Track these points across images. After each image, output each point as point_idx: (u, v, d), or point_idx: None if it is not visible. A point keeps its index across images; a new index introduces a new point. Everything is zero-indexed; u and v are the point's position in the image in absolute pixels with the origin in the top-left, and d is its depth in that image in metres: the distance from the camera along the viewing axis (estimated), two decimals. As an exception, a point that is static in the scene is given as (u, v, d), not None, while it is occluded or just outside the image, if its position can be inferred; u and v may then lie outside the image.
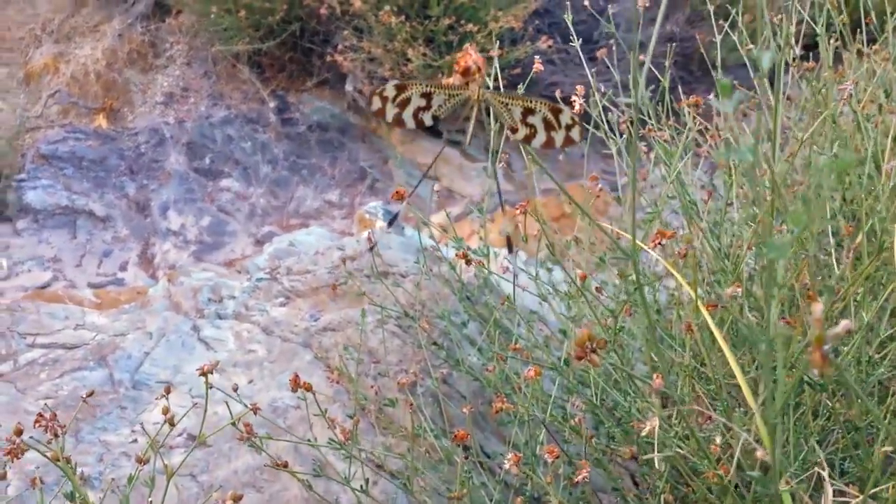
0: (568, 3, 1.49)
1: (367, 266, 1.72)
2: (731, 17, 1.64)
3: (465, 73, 0.59)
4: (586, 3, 1.58)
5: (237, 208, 3.37)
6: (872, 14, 1.50)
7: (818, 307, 0.41)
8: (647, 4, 1.35)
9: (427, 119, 0.63)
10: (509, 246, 0.62)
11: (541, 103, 0.62)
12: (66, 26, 4.39)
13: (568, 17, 1.21)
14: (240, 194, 3.40)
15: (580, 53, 1.34)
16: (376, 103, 0.61)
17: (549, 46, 3.09)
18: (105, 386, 1.65)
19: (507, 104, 0.62)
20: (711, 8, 1.68)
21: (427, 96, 0.62)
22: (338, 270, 1.75)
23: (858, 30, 1.50)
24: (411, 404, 1.21)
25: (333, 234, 2.62)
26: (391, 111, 0.62)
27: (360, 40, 3.20)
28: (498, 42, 1.49)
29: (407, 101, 0.62)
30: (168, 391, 1.06)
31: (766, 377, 0.52)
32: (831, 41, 1.36)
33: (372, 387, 1.27)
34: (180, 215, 3.39)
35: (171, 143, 3.57)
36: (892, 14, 1.30)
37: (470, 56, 0.59)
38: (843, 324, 0.41)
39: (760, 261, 1.16)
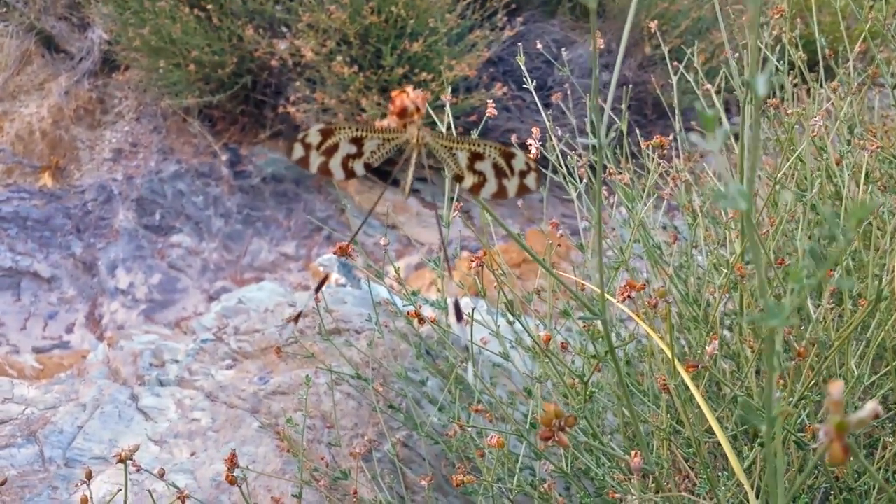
0: (523, 51, 1.45)
1: (320, 323, 1.63)
2: (687, 58, 1.62)
3: (402, 113, 0.51)
4: (539, 46, 1.54)
5: (189, 264, 3.24)
6: (827, 51, 1.48)
7: (837, 387, 0.33)
8: (601, 45, 1.31)
9: (359, 168, 0.54)
10: (458, 314, 0.54)
11: (490, 147, 0.54)
12: (10, 85, 4.27)
13: (520, 59, 1.16)
14: (191, 250, 3.28)
15: (536, 99, 1.29)
16: (298, 151, 0.53)
17: (504, 93, 3.07)
18: (35, 464, 1.51)
19: (451, 148, 0.54)
20: (666, 49, 1.66)
21: (358, 141, 0.54)
22: (293, 328, 1.65)
23: (816, 67, 1.48)
24: (366, 474, 1.11)
25: (287, 288, 2.51)
26: (316, 160, 0.53)
27: (312, 91, 3.14)
28: (450, 90, 1.43)
29: (334, 148, 0.54)
30: (89, 476, 0.95)
31: (769, 472, 0.45)
32: (790, 78, 1.33)
33: (322, 458, 1.17)
34: (129, 273, 3.25)
35: (120, 200, 3.45)
36: (850, 48, 1.27)
37: (407, 94, 0.51)
38: (870, 407, 0.33)
39: (735, 307, 1.09)
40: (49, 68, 4.20)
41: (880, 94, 1.66)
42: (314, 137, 0.53)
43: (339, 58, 2.94)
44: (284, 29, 3.26)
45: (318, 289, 0.54)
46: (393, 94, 0.51)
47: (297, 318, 0.58)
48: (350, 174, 0.54)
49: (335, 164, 0.54)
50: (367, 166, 0.54)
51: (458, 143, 0.54)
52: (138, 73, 3.66)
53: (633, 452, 0.63)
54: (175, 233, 3.34)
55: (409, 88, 0.51)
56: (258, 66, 3.30)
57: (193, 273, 3.27)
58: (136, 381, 1.62)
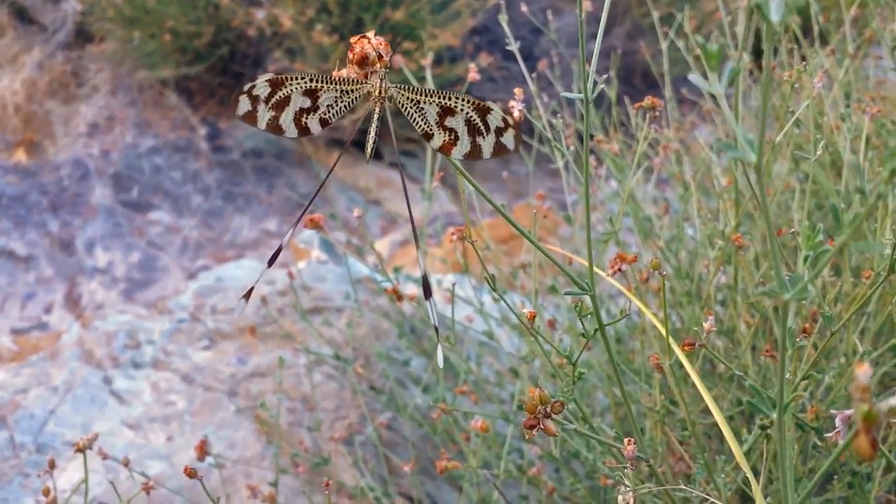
0: (508, 18, 1.38)
1: (300, 301, 1.57)
2: (677, 23, 1.56)
3: (362, 62, 0.45)
4: (524, 8, 1.47)
5: (168, 242, 3.17)
6: (819, 18, 1.43)
7: (864, 371, 0.28)
8: (590, 9, 1.25)
9: (314, 125, 0.48)
10: (426, 290, 0.48)
11: (463, 100, 0.48)
12: (-18, 58, 4.15)
13: (502, 18, 1.09)
14: (171, 227, 3.20)
15: (522, 67, 1.23)
16: (244, 105, 0.46)
17: (490, 63, 2.99)
18: (5, 450, 1.46)
19: (418, 102, 0.48)
20: (656, 15, 1.60)
21: (312, 94, 0.47)
22: (269, 307, 1.59)
23: (809, 32, 1.43)
24: (347, 459, 1.07)
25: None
26: (264, 115, 0.47)
27: (292, 61, 3.06)
28: (435, 60, 1.36)
29: (285, 101, 0.47)
30: (52, 466, 0.89)
31: (781, 469, 0.40)
32: (784, 42, 1.28)
33: (301, 443, 1.12)
34: (107, 252, 3.18)
35: (96, 176, 3.36)
36: (845, 13, 1.22)
37: (368, 40, 0.45)
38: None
39: (728, 281, 1.05)
40: (22, 41, 4.08)
41: (875, 64, 1.61)
42: (262, 89, 0.47)
43: (319, 26, 2.86)
44: (262, -3, 3.17)
45: (270, 262, 0.49)
46: (352, 39, 0.44)
47: (248, 296, 0.53)
48: (304, 131, 0.48)
49: (286, 120, 0.48)
50: (323, 122, 0.48)
51: (425, 95, 0.48)
52: (113, 45, 3.56)
53: (626, 440, 0.59)
54: (154, 209, 3.26)
55: (371, 34, 0.45)
56: (235, 37, 3.21)
57: (173, 251, 3.20)
58: (110, 363, 1.56)
